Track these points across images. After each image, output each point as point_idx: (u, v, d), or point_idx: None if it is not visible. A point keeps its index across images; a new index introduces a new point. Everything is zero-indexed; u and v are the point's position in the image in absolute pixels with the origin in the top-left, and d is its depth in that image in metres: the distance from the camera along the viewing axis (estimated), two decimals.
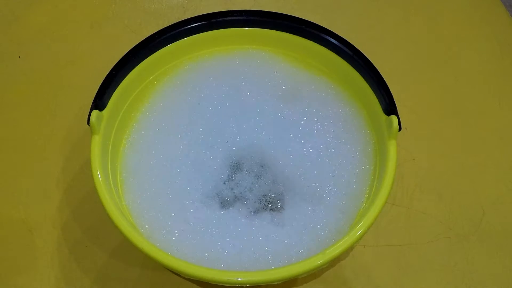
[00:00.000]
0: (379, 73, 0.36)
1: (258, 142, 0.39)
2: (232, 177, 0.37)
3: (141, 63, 0.38)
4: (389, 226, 0.40)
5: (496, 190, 0.42)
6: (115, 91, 0.36)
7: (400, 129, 0.33)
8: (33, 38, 0.52)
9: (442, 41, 0.52)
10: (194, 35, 0.40)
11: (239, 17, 0.41)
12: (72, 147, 0.44)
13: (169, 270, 0.36)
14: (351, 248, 0.37)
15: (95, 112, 0.34)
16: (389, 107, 0.34)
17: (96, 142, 0.34)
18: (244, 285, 0.30)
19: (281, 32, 0.41)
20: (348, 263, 0.38)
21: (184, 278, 0.37)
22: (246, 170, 0.38)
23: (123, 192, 0.36)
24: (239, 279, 0.29)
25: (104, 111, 0.35)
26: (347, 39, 0.38)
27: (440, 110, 0.47)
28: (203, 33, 0.41)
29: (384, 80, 0.36)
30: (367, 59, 0.37)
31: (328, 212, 0.34)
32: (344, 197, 0.35)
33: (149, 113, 0.39)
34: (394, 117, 0.34)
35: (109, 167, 0.35)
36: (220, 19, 0.40)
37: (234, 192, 0.36)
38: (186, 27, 0.40)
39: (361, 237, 0.30)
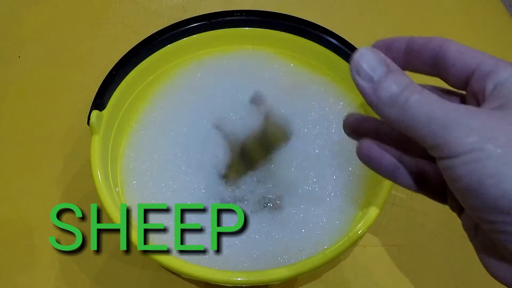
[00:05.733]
0: None
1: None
2: (232, 178, 0.37)
3: (141, 63, 0.38)
4: (389, 226, 0.40)
5: None
6: (115, 91, 0.36)
7: None
8: (33, 38, 0.52)
9: None
10: (194, 35, 0.40)
11: (239, 17, 0.41)
12: (72, 147, 0.44)
13: (169, 270, 0.36)
14: (351, 248, 0.37)
15: (95, 112, 0.34)
16: None
17: (96, 142, 0.34)
18: (244, 285, 0.30)
19: (281, 32, 0.41)
20: (348, 263, 0.38)
21: (184, 278, 0.37)
22: (247, 172, 0.38)
23: (123, 192, 0.36)
24: (239, 279, 0.29)
25: (104, 111, 0.35)
26: (347, 39, 0.38)
27: None
28: (203, 33, 0.41)
29: None
30: None
31: (328, 212, 0.34)
32: (344, 197, 0.35)
33: (149, 113, 0.39)
34: None
35: (109, 167, 0.35)
36: (220, 19, 0.40)
37: (234, 193, 0.36)
38: (186, 27, 0.40)
39: (361, 237, 0.30)
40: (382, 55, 0.21)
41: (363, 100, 0.39)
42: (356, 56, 0.21)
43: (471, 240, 0.23)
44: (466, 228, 0.23)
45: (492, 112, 0.19)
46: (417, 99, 0.19)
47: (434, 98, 0.19)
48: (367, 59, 0.21)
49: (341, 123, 0.26)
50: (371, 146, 0.23)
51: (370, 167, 0.24)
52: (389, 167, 0.23)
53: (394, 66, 0.21)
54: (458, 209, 0.23)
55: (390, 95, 0.20)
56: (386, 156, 0.23)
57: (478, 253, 0.22)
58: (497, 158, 0.18)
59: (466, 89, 0.22)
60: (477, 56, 0.21)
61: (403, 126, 0.20)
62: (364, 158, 0.24)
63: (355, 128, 0.25)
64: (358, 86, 0.21)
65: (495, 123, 0.18)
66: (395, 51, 0.23)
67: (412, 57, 0.23)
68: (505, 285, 0.21)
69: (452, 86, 0.23)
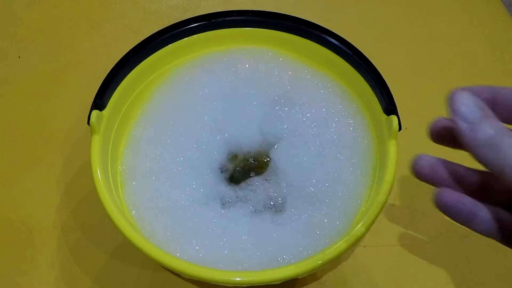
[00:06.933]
0: (379, 73, 0.36)
1: (259, 142, 0.39)
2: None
3: (141, 63, 0.38)
4: (389, 226, 0.40)
5: None
6: (115, 91, 0.36)
7: (400, 129, 0.33)
8: (33, 38, 0.52)
9: (442, 41, 0.52)
10: (194, 35, 0.40)
11: (239, 17, 0.41)
12: (72, 147, 0.44)
13: (169, 270, 0.36)
14: (351, 248, 0.37)
15: (95, 112, 0.34)
16: (389, 107, 0.34)
17: (96, 142, 0.34)
18: (243, 285, 0.30)
19: (281, 32, 0.41)
20: (348, 263, 0.38)
21: (184, 278, 0.37)
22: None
23: (123, 192, 0.36)
24: (238, 279, 0.29)
25: (104, 111, 0.35)
26: (347, 39, 0.38)
27: (440, 110, 0.47)
28: (203, 33, 0.41)
29: (384, 80, 0.36)
30: (367, 59, 0.37)
31: (328, 212, 0.34)
32: (344, 197, 0.35)
33: (149, 113, 0.39)
34: (394, 117, 0.34)
35: (109, 167, 0.35)
36: (220, 19, 0.40)
37: (235, 193, 0.36)
38: (186, 27, 0.40)
39: (361, 237, 0.30)
40: (479, 100, 0.23)
41: (364, 100, 0.39)
42: (455, 99, 0.23)
43: None
44: None
45: None
46: (511, 142, 0.21)
47: None
48: (466, 102, 0.23)
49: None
50: (450, 195, 0.24)
51: (447, 215, 0.24)
52: (467, 215, 0.24)
53: (489, 111, 0.23)
54: None
55: (486, 137, 0.21)
56: (465, 204, 0.24)
57: None
58: None
59: None
60: None
61: (495, 167, 0.21)
62: (443, 207, 0.24)
63: (429, 172, 0.25)
64: (457, 125, 0.23)
65: None
66: (482, 100, 0.24)
67: (497, 108, 0.24)
68: None
69: None
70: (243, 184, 0.37)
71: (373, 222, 0.31)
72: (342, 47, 0.38)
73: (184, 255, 0.32)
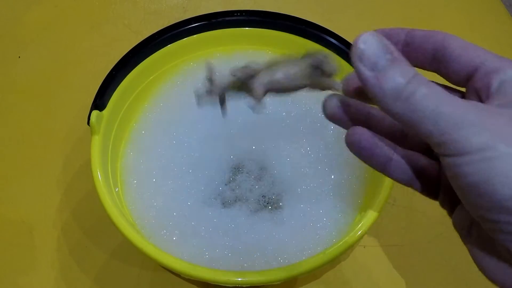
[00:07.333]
0: None
1: (258, 143, 0.39)
2: (232, 178, 0.37)
3: (141, 63, 0.38)
4: (389, 226, 0.40)
5: None
6: (115, 91, 0.36)
7: None
8: (33, 38, 0.52)
9: None
10: (194, 35, 0.40)
11: (239, 17, 0.41)
12: (72, 147, 0.44)
13: (169, 270, 0.36)
14: (351, 248, 0.37)
15: (95, 112, 0.34)
16: None
17: (96, 142, 0.34)
18: (243, 285, 0.30)
19: (281, 32, 0.41)
20: (348, 263, 0.38)
21: (183, 278, 0.37)
22: (246, 172, 0.38)
23: (123, 192, 0.36)
24: (239, 279, 0.29)
25: (104, 111, 0.35)
26: (347, 39, 0.38)
27: None
28: (203, 33, 0.41)
29: None
30: None
31: (328, 212, 0.34)
32: (344, 197, 0.35)
33: (149, 113, 0.39)
34: None
35: (109, 167, 0.35)
36: (220, 19, 0.40)
37: (234, 193, 0.36)
38: (186, 27, 0.40)
39: (361, 237, 0.30)
40: (387, 41, 0.19)
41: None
42: (358, 41, 0.19)
43: (463, 239, 0.22)
44: (458, 227, 0.22)
45: (503, 110, 0.18)
46: (425, 92, 0.18)
47: (442, 93, 0.18)
48: (371, 44, 0.19)
49: (323, 106, 0.23)
50: (363, 135, 0.21)
51: (360, 157, 0.22)
52: (381, 158, 0.22)
53: (398, 54, 0.19)
54: (450, 206, 0.22)
55: (395, 87, 0.18)
56: (379, 146, 0.21)
57: (472, 254, 0.21)
58: (509, 158, 0.17)
59: (466, 86, 0.21)
60: (480, 53, 0.21)
61: (407, 121, 0.18)
62: (354, 147, 0.22)
63: (339, 112, 0.22)
64: (360, 74, 0.19)
65: (506, 122, 0.18)
66: (394, 42, 0.21)
67: (411, 50, 0.21)
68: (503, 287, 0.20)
69: (451, 82, 0.22)
70: (240, 183, 0.37)
71: (373, 222, 0.31)
72: (342, 47, 0.38)
73: (184, 255, 0.32)
